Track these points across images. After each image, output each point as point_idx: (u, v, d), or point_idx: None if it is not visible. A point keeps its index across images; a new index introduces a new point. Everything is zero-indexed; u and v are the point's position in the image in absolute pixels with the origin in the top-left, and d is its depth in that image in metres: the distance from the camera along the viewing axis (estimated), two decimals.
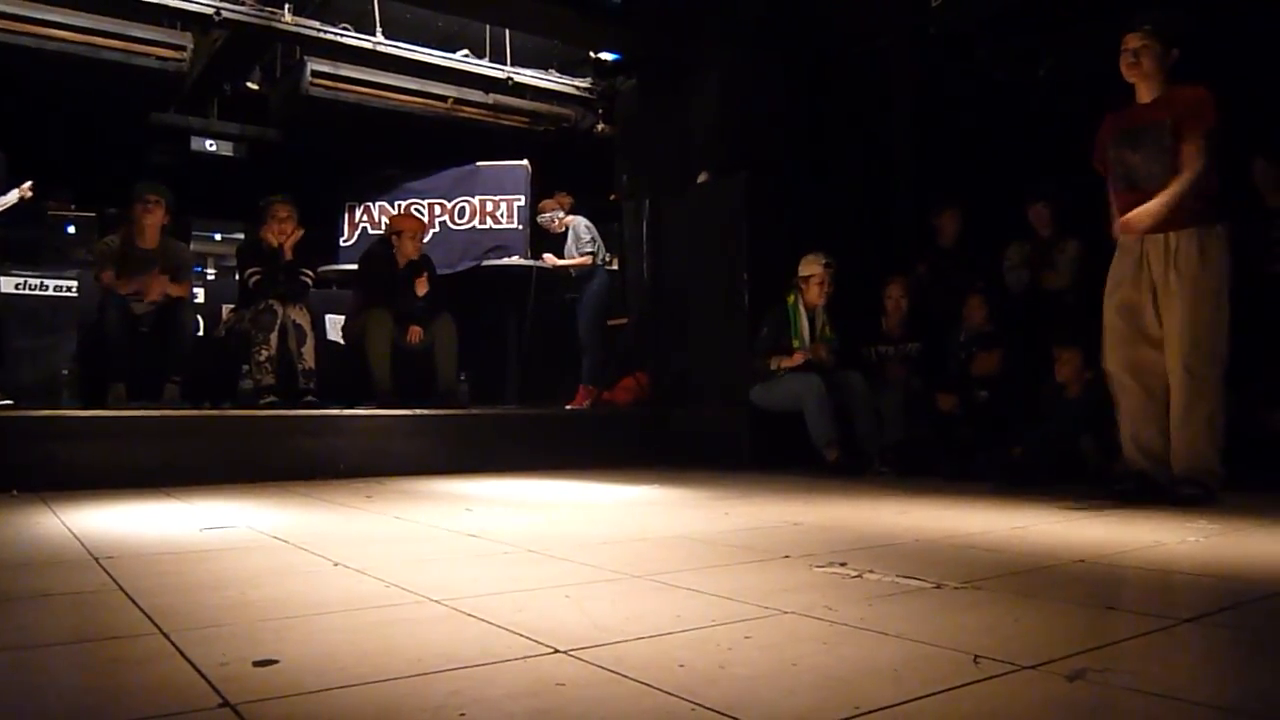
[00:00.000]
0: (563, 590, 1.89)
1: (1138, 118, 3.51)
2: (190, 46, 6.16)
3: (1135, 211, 3.43)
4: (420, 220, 6.96)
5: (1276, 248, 4.34)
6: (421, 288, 5.72)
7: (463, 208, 7.91)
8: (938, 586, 1.90)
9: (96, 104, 6.64)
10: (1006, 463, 4.27)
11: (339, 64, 6.70)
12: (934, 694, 1.20)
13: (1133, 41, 3.46)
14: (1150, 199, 3.41)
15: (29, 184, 4.91)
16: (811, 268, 5.12)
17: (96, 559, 2.25)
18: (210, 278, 8.28)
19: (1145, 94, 3.51)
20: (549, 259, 7.22)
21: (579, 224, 7.02)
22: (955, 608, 1.73)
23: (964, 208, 5.42)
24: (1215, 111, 3.39)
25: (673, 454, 5.57)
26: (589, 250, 6.93)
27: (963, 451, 4.67)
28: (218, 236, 10.04)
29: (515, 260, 7.71)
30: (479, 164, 7.87)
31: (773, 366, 5.05)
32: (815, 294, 5.12)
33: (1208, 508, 3.21)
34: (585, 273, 6.92)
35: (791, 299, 5.14)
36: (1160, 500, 3.36)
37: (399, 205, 7.68)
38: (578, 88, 7.64)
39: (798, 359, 5.02)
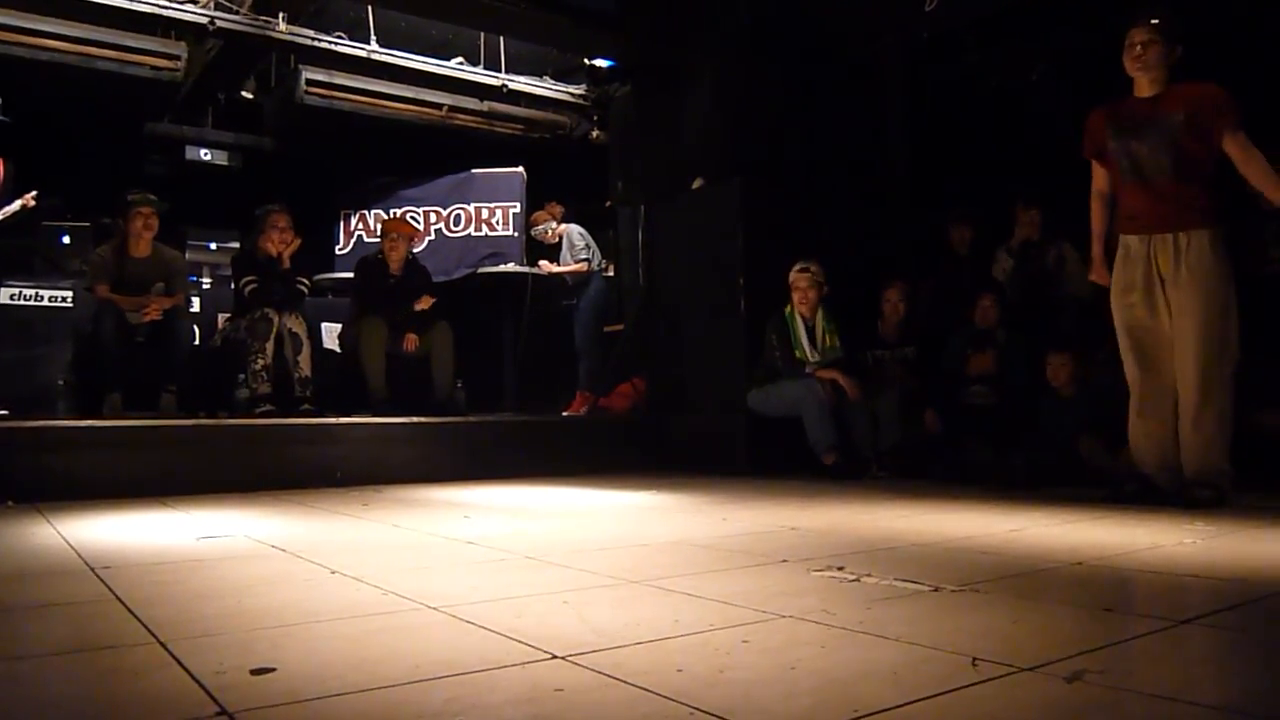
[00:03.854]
0: (561, 596, 1.89)
1: (1141, 111, 3.47)
2: (184, 56, 6.14)
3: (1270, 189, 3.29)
4: (412, 226, 6.94)
5: (1274, 248, 4.35)
6: (424, 304, 5.72)
7: (458, 215, 7.92)
8: (936, 589, 1.90)
9: (91, 114, 6.63)
10: (1005, 468, 4.27)
11: (334, 72, 6.71)
12: (933, 696, 1.20)
13: (1140, 35, 3.42)
14: (1156, 190, 3.40)
15: (32, 194, 4.91)
16: (791, 275, 5.13)
17: (93, 569, 2.25)
18: (205, 287, 8.29)
19: (1146, 88, 3.47)
20: (545, 265, 7.24)
21: (573, 231, 7.05)
22: (953, 610, 1.73)
23: (976, 219, 5.41)
24: (1238, 104, 3.34)
25: (670, 460, 5.57)
26: (584, 257, 6.96)
27: (961, 455, 4.67)
28: (213, 245, 10.04)
29: (511, 267, 7.72)
30: (474, 170, 7.87)
31: (816, 374, 5.02)
32: (798, 300, 5.12)
33: (1217, 510, 3.20)
34: (581, 279, 6.95)
35: (788, 309, 5.15)
36: (1161, 504, 3.33)
37: (394, 213, 7.68)
38: (572, 94, 7.66)
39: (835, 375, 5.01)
